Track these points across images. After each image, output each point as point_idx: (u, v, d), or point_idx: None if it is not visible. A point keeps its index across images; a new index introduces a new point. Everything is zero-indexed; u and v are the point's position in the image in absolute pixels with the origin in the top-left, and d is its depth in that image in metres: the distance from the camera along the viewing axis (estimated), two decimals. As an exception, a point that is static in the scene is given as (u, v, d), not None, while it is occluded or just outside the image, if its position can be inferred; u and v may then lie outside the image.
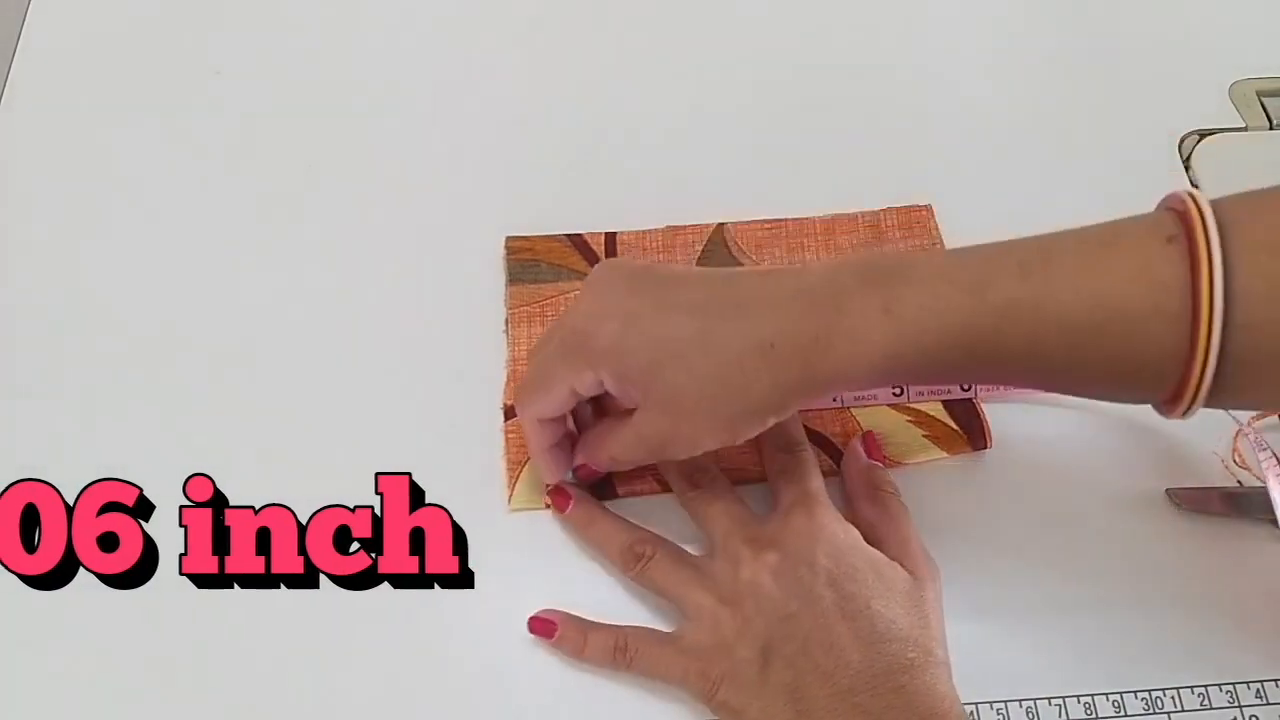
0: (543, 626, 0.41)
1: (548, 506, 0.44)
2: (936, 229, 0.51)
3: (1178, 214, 0.33)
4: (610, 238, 0.51)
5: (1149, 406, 0.36)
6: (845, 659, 0.37)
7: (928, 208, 0.52)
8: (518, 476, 0.45)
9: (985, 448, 0.46)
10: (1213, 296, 0.31)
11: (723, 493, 0.43)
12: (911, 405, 0.47)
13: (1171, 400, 0.34)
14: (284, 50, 0.58)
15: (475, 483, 0.45)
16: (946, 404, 0.47)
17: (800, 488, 0.42)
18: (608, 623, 0.41)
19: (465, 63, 0.57)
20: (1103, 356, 0.34)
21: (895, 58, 0.58)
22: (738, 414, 0.38)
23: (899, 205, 0.52)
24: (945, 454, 0.46)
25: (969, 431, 0.46)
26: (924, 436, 0.46)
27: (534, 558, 0.44)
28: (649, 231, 0.51)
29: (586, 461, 0.43)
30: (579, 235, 0.51)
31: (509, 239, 0.51)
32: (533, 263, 0.50)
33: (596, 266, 0.42)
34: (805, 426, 0.46)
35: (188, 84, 0.56)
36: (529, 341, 0.48)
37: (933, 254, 0.42)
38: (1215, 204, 0.33)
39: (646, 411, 0.39)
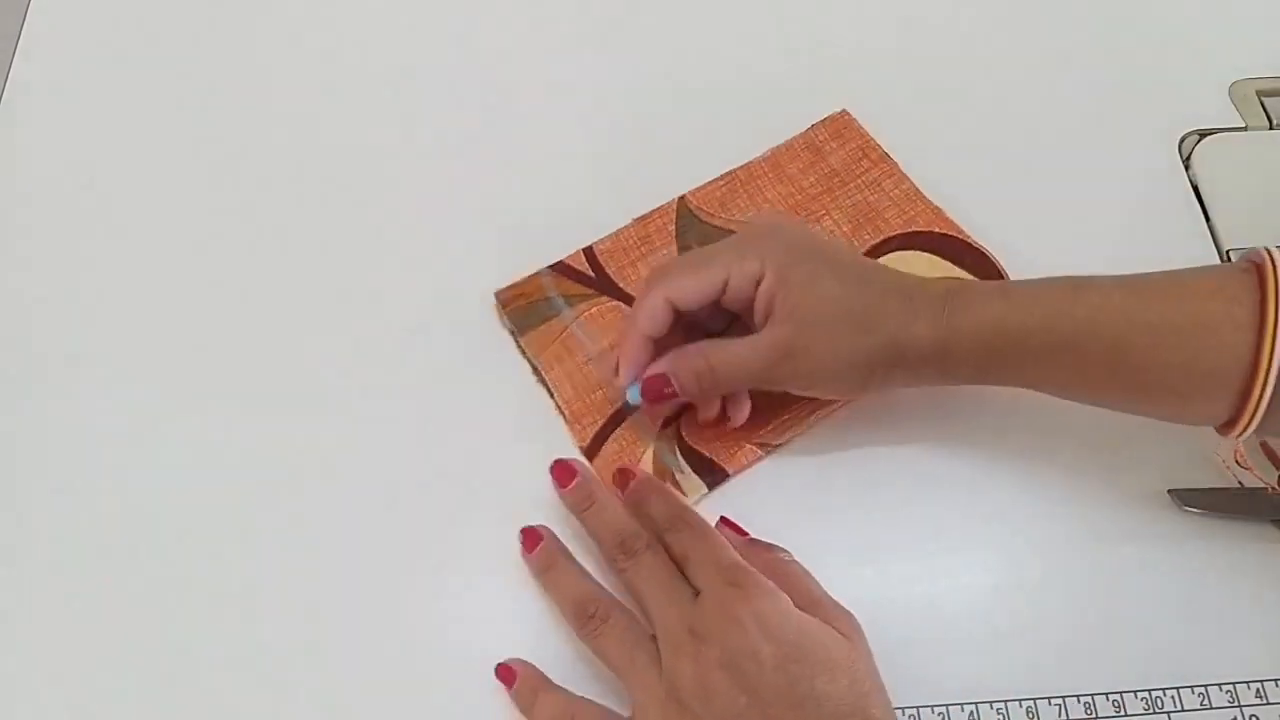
0: (505, 674, 0.41)
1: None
2: (861, 128, 0.54)
3: (1253, 262, 0.39)
4: (589, 252, 0.51)
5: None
6: None
7: (844, 112, 0.55)
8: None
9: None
10: (1278, 304, 0.37)
11: (656, 565, 0.41)
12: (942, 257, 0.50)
13: (1232, 420, 0.39)
14: (284, 46, 0.58)
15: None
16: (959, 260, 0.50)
17: (717, 565, 0.40)
18: (565, 691, 0.41)
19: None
20: (1178, 358, 0.39)
21: (896, 57, 0.58)
22: (859, 351, 0.41)
23: (818, 120, 0.54)
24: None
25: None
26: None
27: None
28: (620, 231, 0.51)
29: (674, 372, 0.43)
30: (560, 262, 0.51)
31: (498, 293, 0.50)
32: (530, 306, 0.49)
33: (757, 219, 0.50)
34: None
35: (188, 84, 0.56)
36: (570, 379, 0.47)
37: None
38: None
39: (779, 325, 0.42)
